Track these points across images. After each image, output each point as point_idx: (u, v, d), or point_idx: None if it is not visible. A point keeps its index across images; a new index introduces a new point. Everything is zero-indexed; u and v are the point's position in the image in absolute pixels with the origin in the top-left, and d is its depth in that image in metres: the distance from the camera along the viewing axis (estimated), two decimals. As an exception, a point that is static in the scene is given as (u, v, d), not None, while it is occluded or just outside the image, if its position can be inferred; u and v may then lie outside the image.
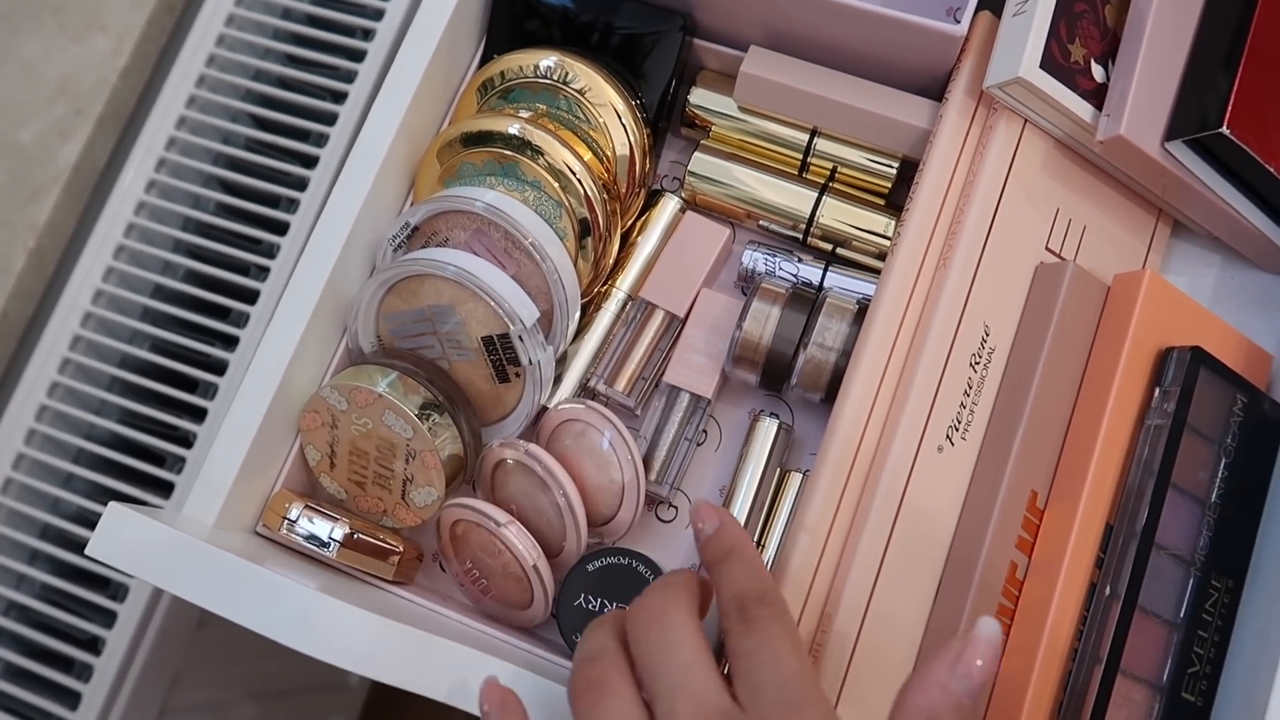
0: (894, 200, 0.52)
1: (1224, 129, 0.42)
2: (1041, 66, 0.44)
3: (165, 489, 0.61)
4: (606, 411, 0.48)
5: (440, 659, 0.41)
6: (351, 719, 0.98)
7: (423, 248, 0.50)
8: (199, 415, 0.62)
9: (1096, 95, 0.45)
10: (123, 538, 0.42)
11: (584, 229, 0.49)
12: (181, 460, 0.61)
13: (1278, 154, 0.44)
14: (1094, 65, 0.46)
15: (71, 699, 0.59)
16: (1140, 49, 0.44)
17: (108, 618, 0.60)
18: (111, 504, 0.42)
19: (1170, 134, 0.44)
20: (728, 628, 0.36)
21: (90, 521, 0.61)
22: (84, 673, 0.60)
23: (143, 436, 0.62)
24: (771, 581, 0.37)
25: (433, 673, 0.41)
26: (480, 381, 0.50)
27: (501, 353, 0.48)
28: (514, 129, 0.49)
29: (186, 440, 0.62)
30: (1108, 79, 0.46)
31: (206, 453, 0.46)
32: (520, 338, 0.47)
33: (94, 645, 0.60)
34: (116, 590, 0.61)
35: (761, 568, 0.37)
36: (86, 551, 0.41)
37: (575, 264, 0.49)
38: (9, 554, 0.62)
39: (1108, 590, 0.41)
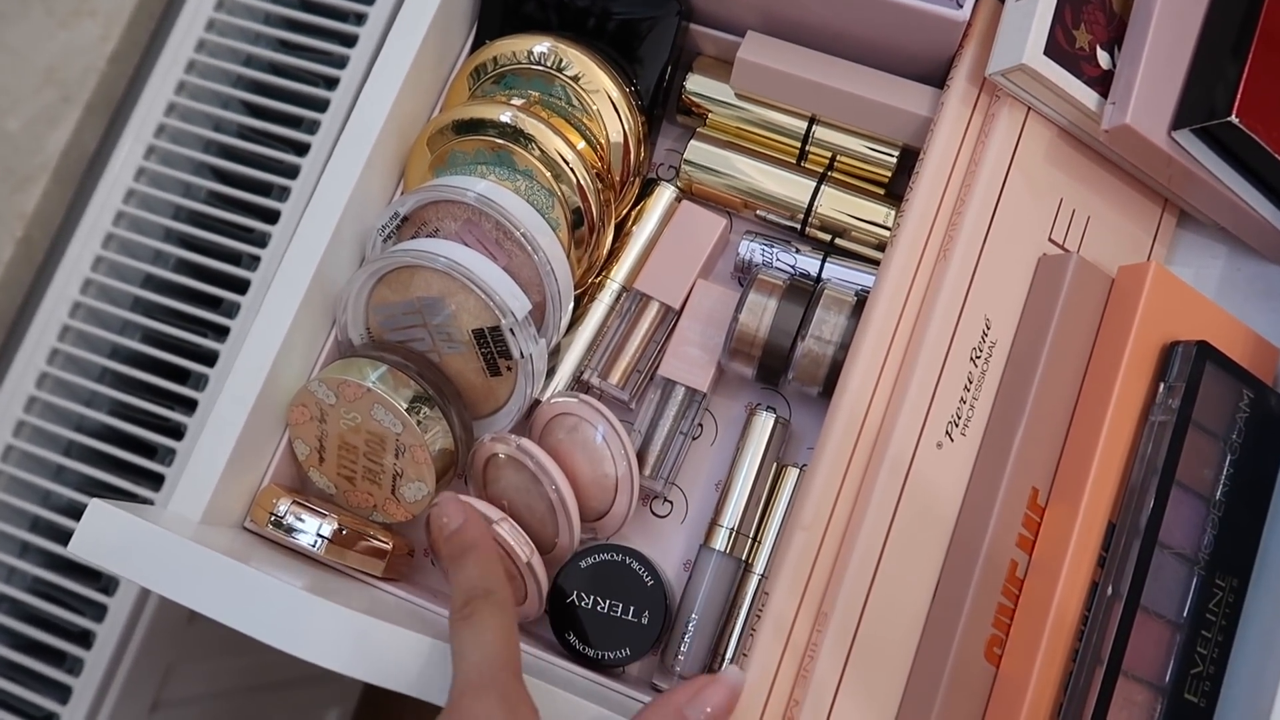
0: (894, 190, 0.51)
1: (1233, 118, 0.41)
2: (1046, 53, 0.43)
3: (156, 481, 0.61)
4: (600, 405, 0.47)
5: (428, 658, 0.40)
6: (347, 710, 0.98)
7: (413, 238, 0.49)
8: (190, 406, 0.61)
9: (1102, 82, 0.44)
10: (105, 535, 0.41)
11: (577, 219, 0.48)
12: (172, 452, 0.61)
13: (1288, 143, 0.42)
14: (1100, 52, 0.45)
15: (62, 693, 0.59)
16: (1147, 35, 0.43)
17: (98, 611, 0.59)
18: (94, 501, 0.41)
19: (1177, 122, 0.43)
20: (451, 624, 0.37)
21: (80, 515, 0.61)
22: (75, 666, 0.59)
23: (133, 428, 0.61)
24: (504, 583, 0.39)
25: (420, 672, 0.40)
26: (471, 375, 0.49)
27: (493, 345, 0.48)
28: (506, 117, 0.48)
29: (177, 432, 0.61)
30: (1114, 66, 0.45)
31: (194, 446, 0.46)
32: (512, 330, 0.46)
33: (85, 639, 0.59)
34: (108, 584, 0.60)
35: (497, 568, 0.39)
36: (69, 549, 0.41)
37: (568, 255, 0.49)
38: (-1, 547, 0.61)
39: (1109, 590, 0.40)
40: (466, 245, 0.48)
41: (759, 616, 0.42)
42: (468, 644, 0.36)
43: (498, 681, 0.35)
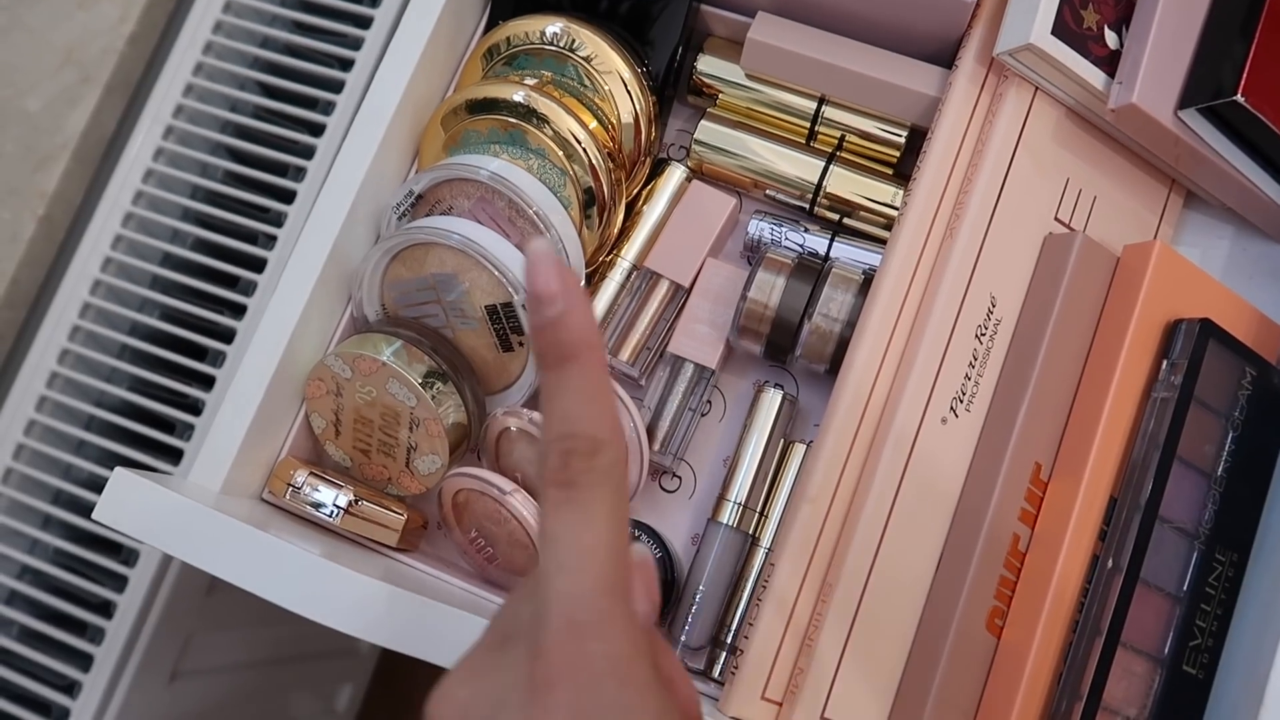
0: (903, 170, 0.51)
1: (1238, 97, 0.41)
2: (1053, 33, 0.43)
3: (175, 456, 0.62)
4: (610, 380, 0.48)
5: (442, 624, 0.41)
6: (361, 685, 1.00)
7: (427, 216, 0.50)
8: (208, 383, 0.62)
9: (1109, 62, 0.45)
10: (128, 503, 0.42)
11: (589, 198, 0.49)
12: (191, 427, 0.62)
13: (1293, 123, 0.43)
14: (1107, 31, 0.45)
15: (84, 661, 0.60)
16: (1155, 15, 0.43)
17: (119, 582, 0.61)
18: (118, 469, 0.42)
19: (1184, 102, 0.43)
20: (544, 478, 0.27)
21: (101, 488, 0.62)
22: (96, 636, 0.60)
23: (153, 404, 0.62)
24: (617, 426, 0.27)
25: (435, 638, 0.41)
26: (484, 350, 0.50)
27: (505, 321, 0.48)
28: (519, 96, 0.49)
29: (196, 408, 0.62)
30: (1121, 46, 0.45)
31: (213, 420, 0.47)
32: (524, 306, 0.47)
33: (106, 609, 0.61)
34: (128, 555, 0.62)
35: (609, 400, 0.28)
36: (93, 516, 0.42)
37: (579, 233, 0.49)
38: (23, 519, 0.63)
39: (1110, 563, 0.41)
40: (480, 223, 0.48)
41: (765, 588, 0.43)
42: (566, 546, 0.26)
43: (609, 618, 0.26)
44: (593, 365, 0.27)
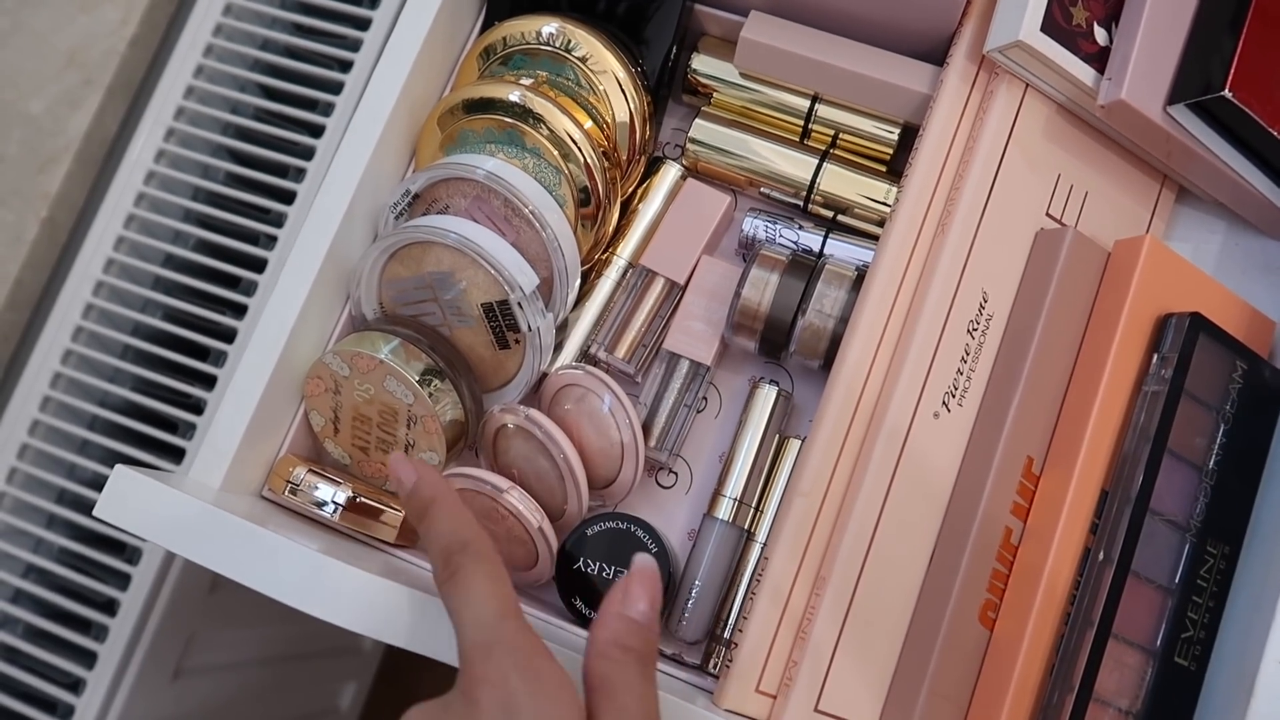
0: (896, 167, 0.52)
1: (1226, 92, 0.42)
2: (1042, 30, 0.43)
3: (178, 455, 0.62)
4: (605, 376, 0.48)
5: (442, 619, 0.41)
6: (365, 684, 1.00)
7: (424, 215, 0.50)
8: (209, 382, 0.63)
9: (1099, 59, 0.45)
10: (129, 500, 0.42)
11: (584, 196, 0.50)
12: (193, 427, 0.62)
13: (1282, 117, 0.43)
14: (1097, 28, 0.45)
15: (88, 659, 0.61)
16: (1144, 11, 0.44)
17: (123, 580, 0.61)
18: (118, 467, 0.43)
19: (1173, 97, 0.44)
20: (439, 589, 0.36)
21: (104, 487, 0.63)
22: (100, 634, 0.61)
23: (155, 403, 0.63)
24: (475, 528, 0.37)
25: (435, 632, 0.41)
26: (481, 348, 0.50)
27: (501, 319, 0.49)
28: (514, 96, 0.49)
29: (198, 407, 0.63)
30: (1111, 42, 0.45)
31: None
32: (520, 304, 0.48)
33: (110, 607, 0.61)
34: (132, 554, 0.62)
35: (463, 515, 0.37)
36: (94, 513, 0.42)
37: (575, 231, 0.50)
38: (27, 518, 0.63)
39: (1101, 555, 0.41)
40: (476, 222, 0.49)
41: (759, 582, 0.44)
42: (460, 604, 0.35)
43: (502, 634, 0.33)
44: (445, 503, 0.37)
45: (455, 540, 0.36)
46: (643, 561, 0.37)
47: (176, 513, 0.42)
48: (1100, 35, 0.45)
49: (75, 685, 0.61)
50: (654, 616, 0.36)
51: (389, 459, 0.40)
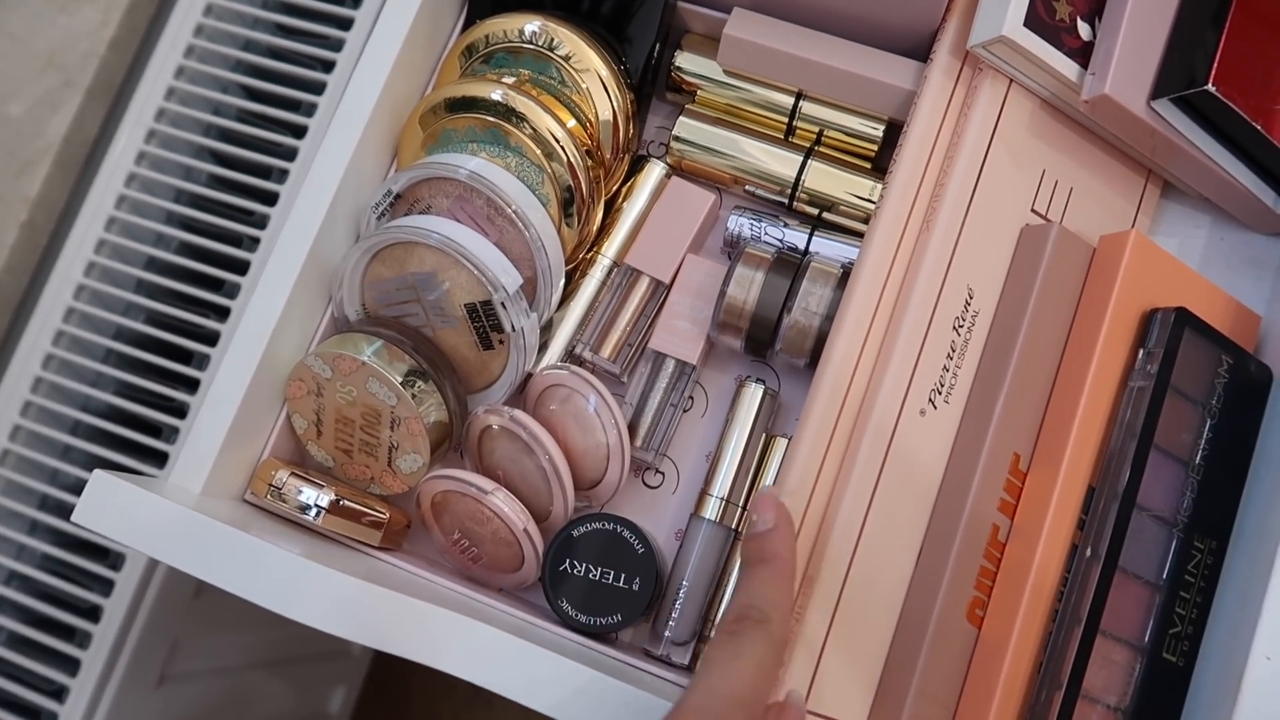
0: (881, 164, 0.51)
1: (1210, 86, 0.41)
2: (1025, 24, 0.43)
3: (161, 459, 0.62)
4: (589, 376, 0.48)
5: (426, 623, 0.41)
6: (354, 688, 0.99)
7: (406, 215, 0.50)
8: (193, 386, 0.62)
9: (1083, 54, 0.45)
10: (108, 505, 0.42)
11: (567, 196, 0.49)
12: (176, 431, 0.62)
13: (1266, 111, 0.43)
14: (1080, 23, 0.45)
15: (71, 666, 0.60)
16: (1127, 6, 0.44)
17: (106, 586, 0.61)
18: (97, 471, 0.42)
19: (1156, 92, 0.44)
20: (715, 633, 0.36)
21: (87, 492, 0.62)
22: (84, 640, 0.60)
23: (138, 408, 0.62)
24: (787, 610, 0.36)
25: (420, 636, 0.41)
26: (465, 349, 0.50)
27: (485, 320, 0.48)
28: (497, 95, 0.49)
29: (181, 411, 0.62)
30: (1094, 37, 0.45)
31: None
32: (503, 304, 0.47)
33: (93, 614, 0.61)
34: (115, 560, 0.62)
35: (788, 590, 0.37)
36: (72, 519, 0.42)
37: (559, 230, 0.49)
38: (9, 524, 0.63)
39: (1088, 551, 0.41)
40: (459, 222, 0.48)
41: (746, 581, 0.43)
42: (716, 664, 0.34)
43: (722, 713, 0.33)
44: (781, 567, 0.37)
45: (764, 608, 0.35)
46: (795, 696, 0.39)
47: (156, 518, 0.42)
48: (1084, 30, 0.45)
49: (59, 692, 0.60)
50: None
51: (762, 494, 0.40)
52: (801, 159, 0.51)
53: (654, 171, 0.53)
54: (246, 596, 0.41)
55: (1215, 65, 0.41)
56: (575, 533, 0.48)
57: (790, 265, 0.48)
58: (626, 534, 0.47)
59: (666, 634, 0.47)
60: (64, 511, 0.63)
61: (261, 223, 0.63)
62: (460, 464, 0.51)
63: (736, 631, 0.35)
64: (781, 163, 0.51)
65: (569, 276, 0.51)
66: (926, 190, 0.46)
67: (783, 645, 0.35)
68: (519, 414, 0.47)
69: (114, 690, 0.61)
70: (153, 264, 0.65)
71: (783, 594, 0.36)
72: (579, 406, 0.48)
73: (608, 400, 0.48)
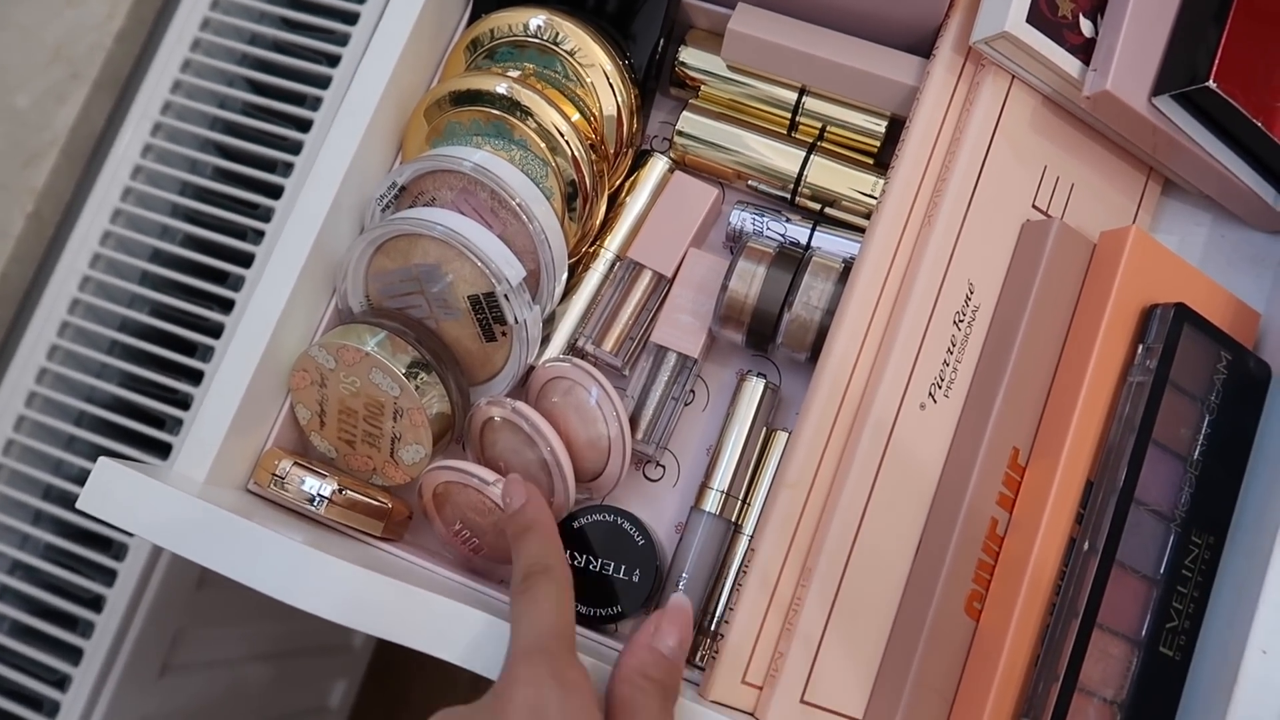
0: (883, 159, 0.52)
1: (1210, 83, 0.42)
2: (1028, 21, 0.44)
3: (165, 450, 0.62)
4: (591, 368, 0.48)
5: (425, 611, 0.41)
6: (355, 681, 1.00)
7: (410, 207, 0.50)
8: (196, 378, 0.62)
9: (1085, 50, 0.45)
10: (112, 492, 0.42)
11: (571, 189, 0.49)
12: (180, 422, 0.62)
13: (1267, 108, 0.43)
14: (1083, 20, 0.45)
15: (74, 655, 0.61)
16: (1129, 2, 0.44)
17: (109, 576, 0.61)
18: (102, 459, 0.42)
19: (1158, 88, 0.44)
20: (511, 597, 0.39)
21: (91, 482, 0.62)
22: (86, 630, 0.61)
23: (142, 399, 0.63)
24: (562, 559, 0.41)
25: (420, 625, 0.41)
26: (468, 341, 0.50)
27: (488, 311, 0.49)
28: (502, 88, 0.49)
29: (185, 403, 0.62)
30: (1097, 33, 0.45)
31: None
32: (506, 296, 0.48)
33: (96, 603, 0.61)
34: (119, 550, 0.62)
35: (555, 545, 0.41)
36: (77, 505, 0.42)
37: (562, 224, 0.50)
38: (13, 514, 0.63)
39: (1086, 545, 0.41)
40: (462, 214, 0.49)
41: (746, 573, 0.43)
42: (522, 615, 0.38)
43: (548, 649, 0.36)
44: (544, 530, 0.42)
45: (541, 562, 0.40)
46: (677, 600, 0.41)
47: (160, 506, 0.42)
48: (1086, 27, 0.45)
49: (61, 682, 0.61)
50: (682, 654, 0.39)
51: (507, 478, 0.44)
52: (804, 154, 0.51)
53: (657, 166, 0.53)
54: (249, 583, 0.41)
55: (1217, 62, 0.42)
56: (576, 524, 0.48)
57: (792, 260, 0.49)
58: (627, 526, 0.47)
59: (666, 626, 0.48)
60: (68, 502, 0.63)
61: (266, 216, 0.64)
62: (462, 455, 0.51)
63: (529, 586, 0.39)
64: (784, 158, 0.52)
65: (572, 270, 0.52)
66: (928, 186, 0.46)
67: (567, 584, 0.40)
68: (521, 406, 0.47)
69: (116, 680, 0.61)
70: (158, 256, 0.66)
71: (552, 547, 0.41)
72: (581, 399, 0.48)
73: (609, 393, 0.48)
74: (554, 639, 0.37)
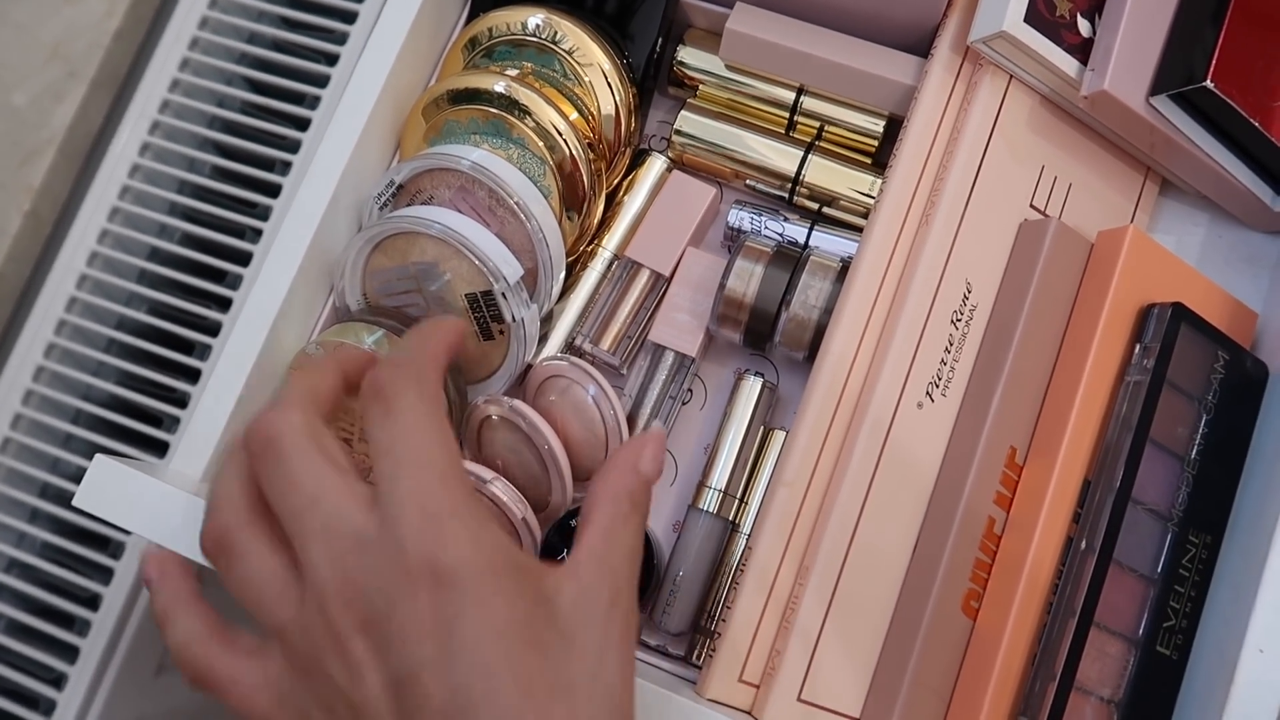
0: (881, 159, 0.52)
1: (1208, 83, 0.42)
2: (1026, 20, 0.44)
3: (162, 449, 0.62)
4: (589, 367, 0.48)
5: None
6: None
7: (408, 205, 0.50)
8: (194, 376, 0.62)
9: (1083, 50, 0.45)
10: (108, 489, 0.42)
11: (569, 188, 0.49)
12: (178, 420, 0.62)
13: (1264, 108, 0.43)
14: (1080, 20, 0.45)
15: (70, 654, 0.60)
16: (1127, 2, 0.44)
17: (105, 575, 0.61)
18: (98, 456, 0.42)
19: (1155, 88, 0.44)
20: (364, 418, 0.33)
21: (88, 480, 0.62)
22: (83, 628, 0.61)
23: (140, 397, 0.63)
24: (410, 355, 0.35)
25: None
26: (465, 339, 0.50)
27: (485, 310, 0.49)
28: (500, 87, 0.49)
29: (182, 401, 0.62)
30: (1094, 33, 0.45)
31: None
32: (504, 295, 0.48)
33: (93, 602, 0.61)
34: (115, 549, 0.62)
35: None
36: (73, 502, 0.42)
37: (560, 223, 0.50)
38: (10, 512, 0.63)
39: (1083, 544, 0.41)
40: (460, 212, 0.49)
41: (743, 571, 0.43)
42: (397, 457, 0.31)
43: (457, 512, 0.31)
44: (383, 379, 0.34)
45: (388, 364, 0.34)
46: (655, 427, 0.38)
47: (155, 502, 0.42)
48: (1084, 27, 0.45)
49: (57, 680, 0.60)
50: (656, 480, 0.36)
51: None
52: (802, 154, 0.51)
53: (655, 165, 0.53)
54: (246, 581, 0.41)
55: (1214, 62, 0.42)
56: (573, 521, 0.48)
57: (790, 259, 0.49)
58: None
59: (663, 625, 0.48)
60: (65, 500, 0.63)
61: (264, 214, 0.63)
62: (462, 455, 0.51)
63: (378, 392, 0.33)
64: (782, 157, 0.52)
65: (570, 269, 0.52)
66: (926, 185, 0.46)
67: (436, 379, 0.35)
68: (519, 404, 0.47)
69: (112, 678, 0.61)
70: (155, 254, 0.65)
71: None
72: (578, 397, 0.48)
73: (607, 391, 0.48)
74: (458, 494, 0.31)
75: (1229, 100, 0.42)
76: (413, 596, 0.29)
